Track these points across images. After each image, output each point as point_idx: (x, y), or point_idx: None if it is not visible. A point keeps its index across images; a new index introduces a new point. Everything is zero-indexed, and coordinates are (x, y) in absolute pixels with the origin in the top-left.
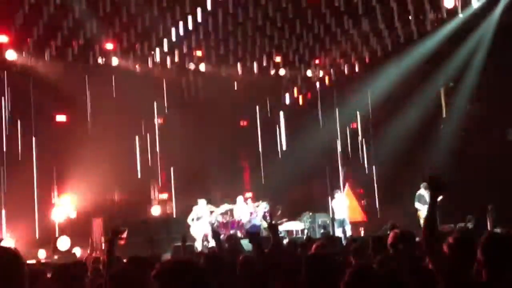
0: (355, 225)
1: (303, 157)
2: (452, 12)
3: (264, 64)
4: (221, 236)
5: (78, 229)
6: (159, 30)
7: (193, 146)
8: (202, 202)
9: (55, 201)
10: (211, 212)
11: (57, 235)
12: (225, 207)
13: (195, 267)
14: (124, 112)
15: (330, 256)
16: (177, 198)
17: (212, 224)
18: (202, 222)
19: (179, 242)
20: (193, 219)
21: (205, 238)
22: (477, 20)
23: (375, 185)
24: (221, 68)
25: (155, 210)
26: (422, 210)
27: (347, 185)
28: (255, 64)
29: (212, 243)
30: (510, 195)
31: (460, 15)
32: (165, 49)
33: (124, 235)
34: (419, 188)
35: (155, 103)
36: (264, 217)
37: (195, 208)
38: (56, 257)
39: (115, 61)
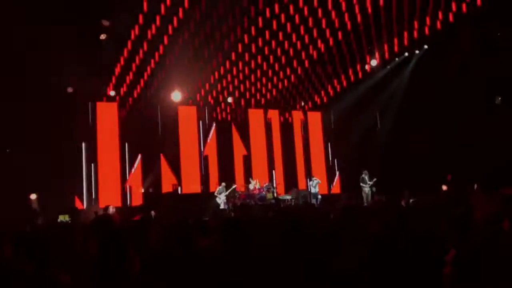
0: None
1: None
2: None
3: None
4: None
5: None
6: None
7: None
8: (223, 184)
9: None
10: (227, 190)
11: None
12: (233, 187)
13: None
14: None
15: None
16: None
17: (227, 197)
18: (222, 196)
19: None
20: (216, 193)
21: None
22: (398, 70)
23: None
24: None
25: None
26: (364, 188)
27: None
28: None
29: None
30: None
31: (388, 67)
32: None
33: None
34: (362, 174)
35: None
36: (268, 191)
37: (218, 187)
38: None
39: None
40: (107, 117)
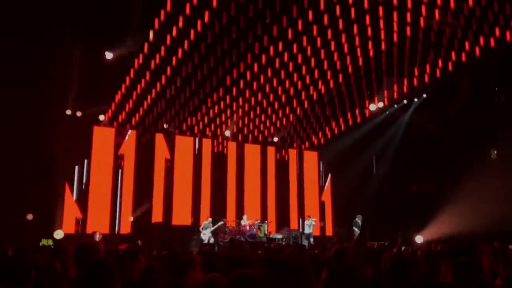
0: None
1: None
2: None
3: None
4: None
5: None
6: None
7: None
8: (209, 220)
9: None
10: (213, 226)
11: None
12: (220, 223)
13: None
14: None
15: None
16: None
17: (214, 233)
18: (207, 231)
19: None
20: (201, 228)
21: (207, 241)
22: (396, 117)
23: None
24: None
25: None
26: (356, 232)
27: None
28: None
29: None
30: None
31: (387, 112)
32: None
33: None
34: (355, 217)
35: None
36: (259, 229)
37: (204, 222)
38: None
39: None
40: (103, 142)
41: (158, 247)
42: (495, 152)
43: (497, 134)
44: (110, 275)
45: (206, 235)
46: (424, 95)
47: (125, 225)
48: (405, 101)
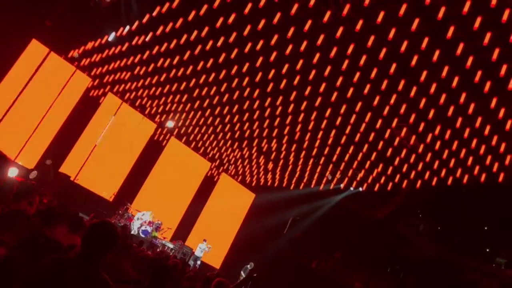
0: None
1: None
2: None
3: None
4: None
5: None
6: None
7: None
8: (151, 213)
9: None
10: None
11: None
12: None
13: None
14: None
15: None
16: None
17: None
18: (138, 222)
19: None
20: (138, 216)
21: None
22: (327, 194)
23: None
24: None
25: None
26: (242, 277)
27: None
28: None
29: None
30: None
31: (320, 187)
32: None
33: None
34: (247, 263)
35: None
36: (156, 229)
37: (144, 212)
38: None
39: None
40: (57, 73)
41: (51, 197)
42: (397, 267)
43: (398, 255)
44: None
45: (138, 221)
46: (361, 189)
47: (31, 161)
48: (342, 185)
